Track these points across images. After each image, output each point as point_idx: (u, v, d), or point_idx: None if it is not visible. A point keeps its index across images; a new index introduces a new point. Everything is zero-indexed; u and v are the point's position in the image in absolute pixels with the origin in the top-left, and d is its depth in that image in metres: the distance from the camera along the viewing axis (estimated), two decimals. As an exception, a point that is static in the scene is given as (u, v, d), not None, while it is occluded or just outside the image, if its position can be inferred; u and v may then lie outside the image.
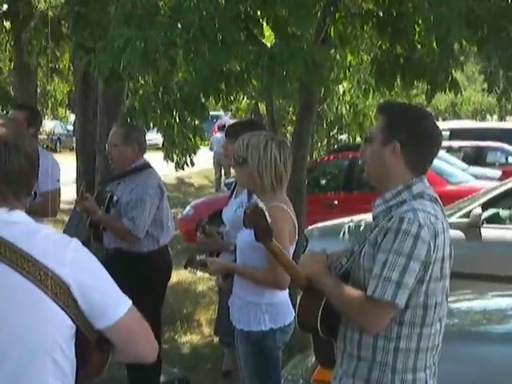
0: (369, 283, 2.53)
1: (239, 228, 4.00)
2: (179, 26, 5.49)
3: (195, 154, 11.24)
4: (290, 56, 5.29)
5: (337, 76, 9.80)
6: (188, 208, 12.00)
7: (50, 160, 5.36)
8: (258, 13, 5.97)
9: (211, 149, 20.15)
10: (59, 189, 5.25)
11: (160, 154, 11.23)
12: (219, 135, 19.68)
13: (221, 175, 19.93)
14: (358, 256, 2.66)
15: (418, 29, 6.09)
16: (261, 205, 3.09)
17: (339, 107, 13.38)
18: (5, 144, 2.05)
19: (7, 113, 10.33)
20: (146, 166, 5.24)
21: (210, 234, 4.58)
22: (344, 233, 7.87)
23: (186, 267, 4.19)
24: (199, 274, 4.60)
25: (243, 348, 3.89)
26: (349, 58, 8.37)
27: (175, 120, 7.20)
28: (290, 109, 16.99)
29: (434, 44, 5.59)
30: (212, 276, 4.31)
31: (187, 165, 11.44)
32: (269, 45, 6.03)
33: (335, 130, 18.11)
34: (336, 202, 11.34)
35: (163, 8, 5.90)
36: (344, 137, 19.29)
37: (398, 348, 2.60)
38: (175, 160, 11.35)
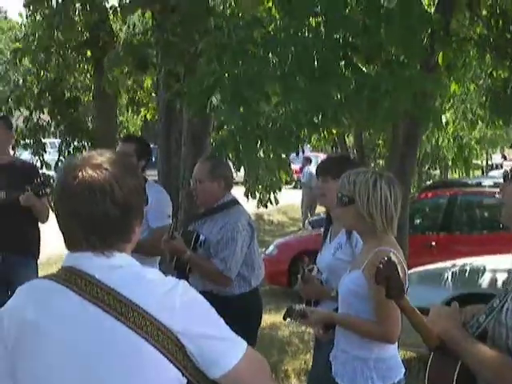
0: None
1: (339, 274, 3.98)
2: (274, 59, 5.43)
3: (280, 190, 11.17)
4: (395, 86, 5.14)
5: (441, 106, 9.60)
6: (272, 247, 11.91)
7: (159, 194, 5.32)
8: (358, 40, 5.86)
9: (303, 184, 20.01)
10: (170, 225, 5.13)
11: (237, 189, 11.21)
12: (310, 168, 19.71)
13: (310, 213, 19.73)
14: (499, 313, 2.51)
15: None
16: (394, 258, 2.96)
17: (440, 140, 13.04)
18: (89, 189, 1.99)
19: (83, 146, 10.49)
20: (234, 202, 5.19)
21: (308, 280, 4.42)
22: (447, 279, 7.60)
23: (284, 318, 4.08)
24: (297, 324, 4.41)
25: None
26: (453, 86, 8.17)
27: (265, 154, 7.11)
28: (380, 141, 16.84)
29: None
30: (312, 327, 4.12)
31: (271, 202, 11.37)
32: (365, 71, 5.90)
33: (427, 165, 17.84)
34: (434, 243, 11.06)
35: (257, 39, 5.85)
36: (437, 172, 18.97)
37: None
38: (258, 197, 11.29)
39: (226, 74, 5.22)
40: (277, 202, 11.48)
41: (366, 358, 3.64)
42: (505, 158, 45.78)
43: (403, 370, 3.73)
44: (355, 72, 5.69)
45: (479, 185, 13.67)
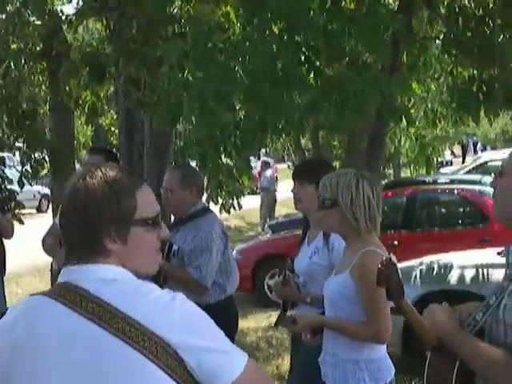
0: None
1: (316, 278, 4.10)
2: (238, 68, 5.48)
3: (243, 195, 11.09)
4: (363, 88, 5.16)
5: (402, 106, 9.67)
6: (234, 253, 11.85)
7: None
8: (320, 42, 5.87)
9: (262, 188, 20.04)
10: None
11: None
12: (269, 172, 19.73)
13: (269, 216, 19.66)
14: (496, 310, 2.49)
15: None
16: (393, 258, 2.95)
17: (402, 139, 13.12)
18: (65, 200, 2.06)
19: (44, 159, 10.36)
20: (206, 209, 5.19)
21: (287, 283, 4.43)
22: (415, 277, 7.66)
23: (276, 325, 4.11)
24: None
25: None
26: (413, 85, 8.19)
27: (228, 159, 7.04)
28: (335, 143, 16.93)
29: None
30: (300, 332, 4.04)
31: (234, 208, 11.29)
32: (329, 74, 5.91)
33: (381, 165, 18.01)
34: (396, 242, 11.14)
35: (217, 45, 5.87)
36: (391, 171, 19.15)
37: None
38: (220, 202, 11.19)
39: (193, 85, 5.15)
40: (240, 207, 11.42)
41: (357, 360, 3.64)
42: (454, 154, 46.53)
43: (393, 371, 3.74)
44: (318, 75, 5.69)
45: (436, 182, 13.88)
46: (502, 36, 5.77)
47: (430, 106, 10.92)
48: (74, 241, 2.02)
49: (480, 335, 2.54)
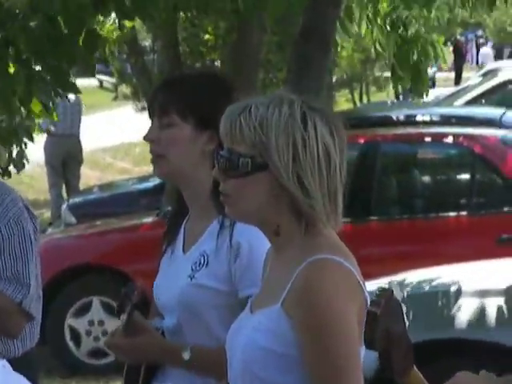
0: None
1: (201, 316, 4.11)
2: None
3: (32, 139, 11.43)
4: None
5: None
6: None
7: None
8: None
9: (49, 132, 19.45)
10: None
11: None
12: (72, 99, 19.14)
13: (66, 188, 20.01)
14: None
15: None
16: (396, 291, 3.16)
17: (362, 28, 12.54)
18: None
19: None
20: None
21: (138, 328, 4.28)
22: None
23: None
24: None
25: None
26: None
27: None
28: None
29: None
30: None
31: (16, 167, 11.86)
32: None
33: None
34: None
35: None
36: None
37: None
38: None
39: None
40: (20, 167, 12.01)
41: None
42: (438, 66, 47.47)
43: None
44: None
45: (411, 121, 13.83)
46: None
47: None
48: None
49: None
